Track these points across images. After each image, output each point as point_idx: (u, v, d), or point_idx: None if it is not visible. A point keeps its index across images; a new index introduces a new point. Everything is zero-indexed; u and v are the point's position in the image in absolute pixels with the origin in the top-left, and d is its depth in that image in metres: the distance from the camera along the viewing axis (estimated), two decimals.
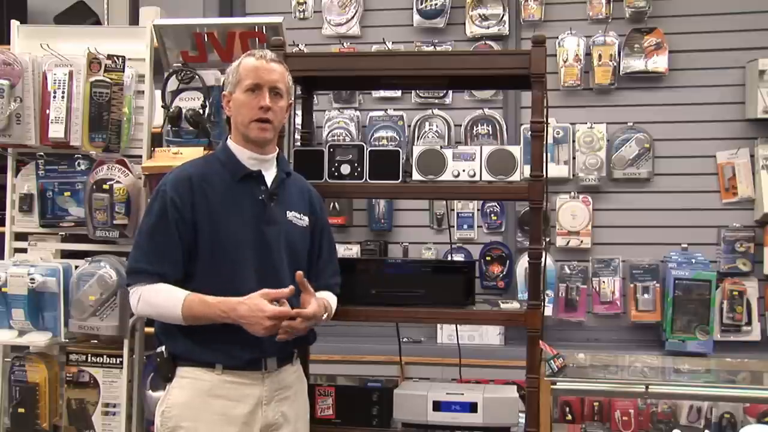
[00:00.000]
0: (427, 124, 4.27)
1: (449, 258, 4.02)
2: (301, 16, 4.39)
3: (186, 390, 2.24)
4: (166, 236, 2.23)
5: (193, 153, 2.75)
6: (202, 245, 2.25)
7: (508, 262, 4.14)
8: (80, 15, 4.20)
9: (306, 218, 2.41)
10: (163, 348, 2.29)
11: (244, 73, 2.31)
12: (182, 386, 2.25)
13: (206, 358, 2.24)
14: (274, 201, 2.34)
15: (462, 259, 4.06)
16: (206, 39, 2.94)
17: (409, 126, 4.28)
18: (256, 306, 2.17)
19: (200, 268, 2.25)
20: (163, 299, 2.22)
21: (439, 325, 4.14)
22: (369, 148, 2.71)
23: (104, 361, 2.92)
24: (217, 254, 2.25)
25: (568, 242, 4.13)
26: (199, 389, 2.23)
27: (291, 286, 2.23)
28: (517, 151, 2.63)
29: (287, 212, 2.36)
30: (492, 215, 4.24)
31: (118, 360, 2.91)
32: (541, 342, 2.60)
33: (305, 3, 4.39)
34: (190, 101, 2.93)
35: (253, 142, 2.32)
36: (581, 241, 4.13)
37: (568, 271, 4.13)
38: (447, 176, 2.64)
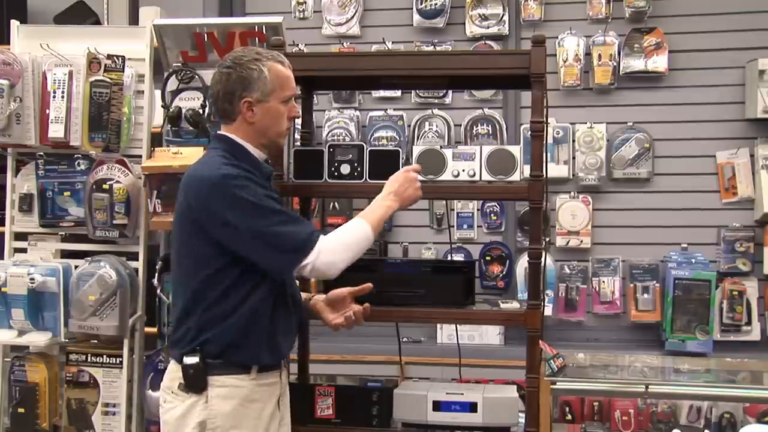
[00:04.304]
0: (427, 123, 4.27)
1: (449, 258, 4.02)
2: (301, 16, 4.39)
3: (228, 399, 2.17)
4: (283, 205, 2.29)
5: (193, 153, 2.75)
6: None
7: (507, 262, 4.14)
8: (80, 15, 4.19)
9: None
10: (196, 359, 2.16)
11: (280, 82, 2.24)
12: (223, 396, 2.17)
13: (242, 358, 2.19)
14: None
15: (462, 259, 4.06)
16: (206, 39, 2.95)
17: (409, 126, 4.28)
18: (405, 178, 2.35)
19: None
20: (353, 234, 2.29)
21: (439, 325, 4.14)
22: (369, 148, 2.70)
23: (104, 361, 2.92)
24: None
25: (567, 242, 4.13)
26: (239, 396, 2.18)
27: None
28: (517, 151, 2.63)
29: None
30: (492, 215, 4.24)
31: (118, 360, 2.91)
32: (541, 342, 2.59)
33: (305, 3, 4.39)
34: (190, 101, 2.94)
35: (276, 148, 2.37)
36: (581, 241, 4.12)
37: (567, 271, 4.13)
38: (447, 176, 2.64)
